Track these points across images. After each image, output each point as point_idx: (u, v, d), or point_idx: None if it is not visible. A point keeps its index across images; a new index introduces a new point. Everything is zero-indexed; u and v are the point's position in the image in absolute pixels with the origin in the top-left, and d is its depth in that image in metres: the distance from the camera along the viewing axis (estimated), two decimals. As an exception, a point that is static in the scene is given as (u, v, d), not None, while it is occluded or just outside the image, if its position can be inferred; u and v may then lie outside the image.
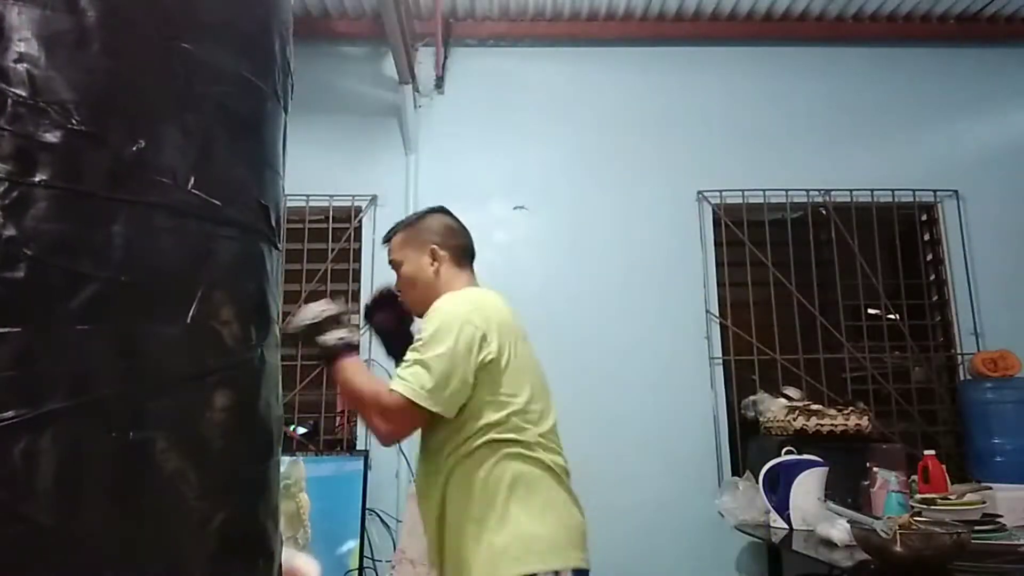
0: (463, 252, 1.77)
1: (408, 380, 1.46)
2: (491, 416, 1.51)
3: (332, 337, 1.56)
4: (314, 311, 1.58)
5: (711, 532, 3.06)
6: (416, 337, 1.55)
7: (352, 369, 1.55)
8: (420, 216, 1.79)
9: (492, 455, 1.50)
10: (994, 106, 3.72)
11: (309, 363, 3.37)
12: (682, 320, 3.39)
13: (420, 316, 1.67)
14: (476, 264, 3.51)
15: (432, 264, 1.70)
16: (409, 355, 1.51)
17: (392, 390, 1.46)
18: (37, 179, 0.63)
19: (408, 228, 1.77)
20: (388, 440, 1.53)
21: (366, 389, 1.51)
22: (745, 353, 3.42)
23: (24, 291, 0.62)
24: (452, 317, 1.52)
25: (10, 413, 0.60)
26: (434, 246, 1.71)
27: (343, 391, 1.57)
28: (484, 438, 1.50)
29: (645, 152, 3.56)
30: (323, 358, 1.59)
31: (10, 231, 0.62)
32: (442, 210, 1.82)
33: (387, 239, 1.79)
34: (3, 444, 0.59)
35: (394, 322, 1.83)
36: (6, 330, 0.61)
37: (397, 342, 1.78)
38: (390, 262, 1.78)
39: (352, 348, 1.58)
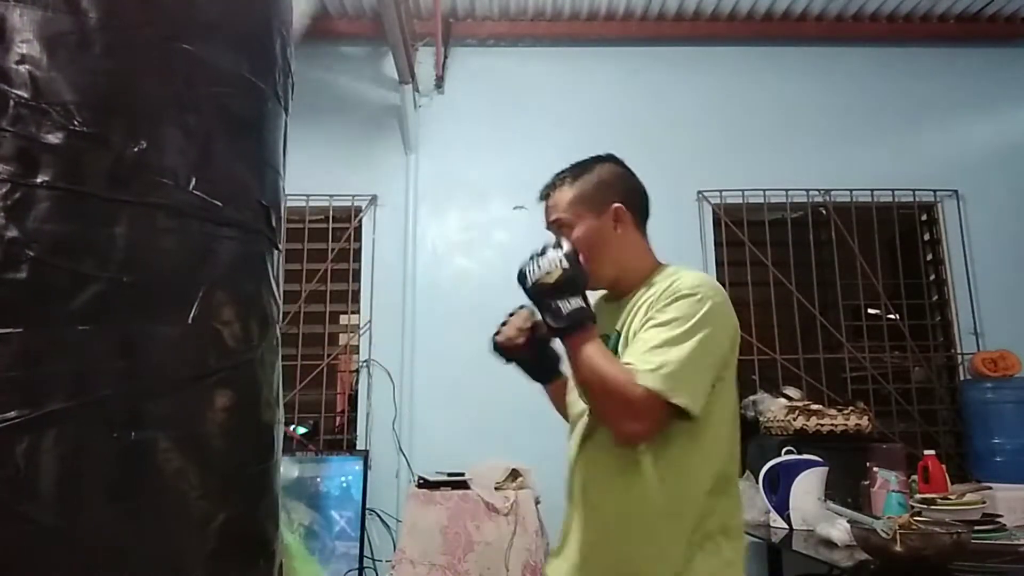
0: (646, 214, 1.45)
1: (665, 371, 1.15)
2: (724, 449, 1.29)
3: (572, 305, 1.23)
4: (550, 265, 1.26)
5: (711, 532, 3.05)
6: (655, 312, 1.25)
7: (593, 349, 1.21)
8: (589, 164, 1.44)
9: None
10: (994, 106, 3.72)
11: (309, 363, 3.37)
12: (682, 320, 3.39)
13: (596, 287, 1.39)
14: (476, 264, 3.54)
15: (615, 226, 1.37)
16: (655, 335, 1.21)
17: (639, 384, 1.15)
18: (39, 180, 0.64)
19: (578, 180, 1.41)
20: (632, 443, 1.22)
21: (609, 377, 1.17)
22: (745, 353, 3.42)
23: (26, 292, 0.62)
24: (707, 293, 1.24)
25: (13, 413, 0.60)
26: (617, 203, 1.37)
27: (580, 373, 1.23)
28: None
29: (645, 152, 3.51)
30: (556, 327, 1.25)
31: (12, 232, 0.62)
32: (614, 159, 1.47)
33: (546, 193, 1.46)
34: (6, 444, 0.60)
35: (531, 349, 1.51)
36: (8, 331, 0.61)
37: (534, 367, 1.53)
38: (552, 223, 1.43)
39: (592, 322, 1.24)
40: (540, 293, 1.26)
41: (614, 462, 1.27)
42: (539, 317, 1.33)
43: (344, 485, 3.01)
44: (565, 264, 1.25)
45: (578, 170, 1.43)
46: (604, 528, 1.29)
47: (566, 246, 1.27)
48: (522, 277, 1.30)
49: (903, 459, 2.43)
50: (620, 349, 1.29)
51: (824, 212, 3.58)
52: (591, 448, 1.32)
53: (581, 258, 1.29)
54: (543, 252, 1.29)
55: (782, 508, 2.58)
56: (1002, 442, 3.07)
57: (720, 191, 3.53)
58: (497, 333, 1.51)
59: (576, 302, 1.23)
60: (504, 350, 1.50)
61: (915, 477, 2.51)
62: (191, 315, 0.72)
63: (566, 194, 1.41)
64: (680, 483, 1.24)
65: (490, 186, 3.56)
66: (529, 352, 1.50)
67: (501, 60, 3.73)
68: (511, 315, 1.53)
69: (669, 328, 1.21)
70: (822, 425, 2.88)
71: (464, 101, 3.66)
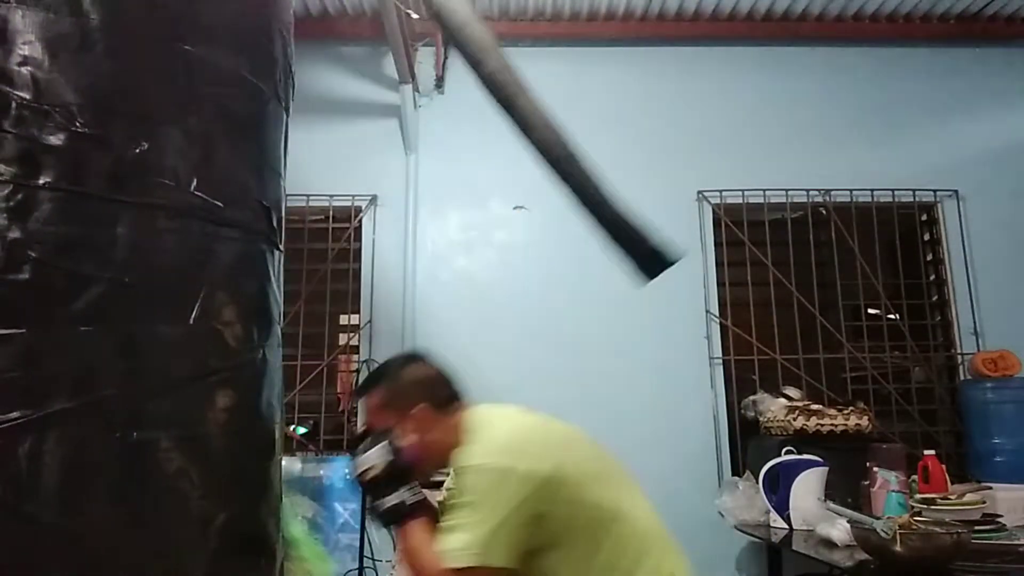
0: (453, 397, 1.54)
1: (458, 552, 1.27)
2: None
3: (394, 500, 1.35)
4: (375, 459, 1.38)
5: (711, 532, 3.06)
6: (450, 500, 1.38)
7: (415, 540, 1.34)
8: (394, 365, 1.59)
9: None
10: (994, 106, 3.72)
11: (309, 363, 3.37)
12: (682, 320, 3.39)
13: (427, 476, 1.53)
14: (476, 264, 3.54)
15: (421, 425, 1.47)
16: (452, 518, 1.33)
17: (442, 569, 1.27)
18: (41, 181, 0.64)
19: (387, 384, 1.54)
20: None
21: (426, 564, 1.30)
22: (745, 353, 3.42)
23: (28, 292, 0.63)
24: (484, 463, 1.36)
25: (15, 414, 0.60)
26: (421, 404, 1.47)
27: (406, 559, 1.35)
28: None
29: (645, 152, 3.56)
30: (384, 519, 1.38)
31: (14, 233, 0.62)
32: (416, 356, 1.62)
33: (360, 394, 1.60)
34: (8, 444, 0.60)
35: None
36: (11, 331, 0.61)
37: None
38: (368, 426, 1.55)
39: (416, 511, 1.37)
40: (368, 489, 1.39)
41: None
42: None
43: (344, 485, 3.01)
44: (388, 457, 1.37)
45: (387, 375, 1.56)
46: None
47: (386, 439, 1.39)
48: (360, 486, 1.40)
49: (903, 459, 2.43)
50: None
51: (824, 212, 3.58)
52: None
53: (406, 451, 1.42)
54: (366, 445, 1.40)
55: (782, 508, 2.58)
56: (1002, 442, 3.07)
57: (720, 191, 3.53)
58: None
59: (398, 496, 1.35)
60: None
61: (915, 477, 2.52)
62: (192, 315, 0.72)
63: (374, 399, 1.52)
64: None
65: (490, 186, 3.56)
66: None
67: (501, 60, 3.73)
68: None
69: (458, 514, 1.32)
70: (822, 425, 2.88)
71: (464, 101, 3.65)
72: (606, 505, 1.42)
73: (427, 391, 1.50)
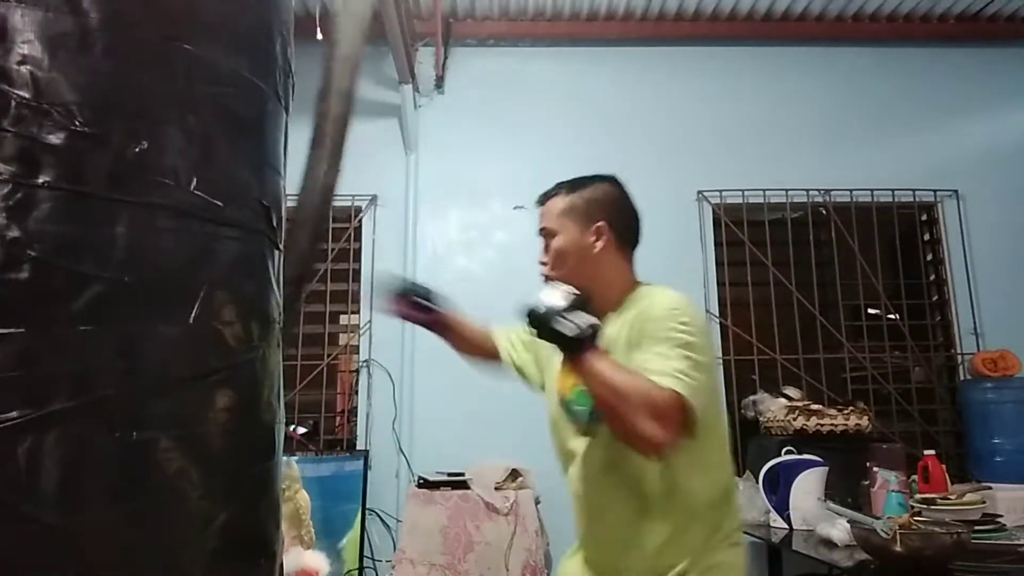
0: (633, 238, 1.50)
1: (683, 376, 1.19)
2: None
3: (581, 322, 1.24)
4: (557, 295, 1.30)
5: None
6: (647, 334, 1.28)
7: (608, 362, 1.22)
8: (587, 180, 1.52)
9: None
10: (994, 106, 3.72)
11: (309, 363, 3.37)
12: (682, 320, 3.39)
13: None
14: (476, 264, 3.54)
15: (595, 243, 1.43)
16: (660, 347, 1.24)
17: (665, 388, 1.17)
18: (40, 180, 0.64)
19: (572, 193, 1.48)
20: (661, 449, 1.19)
21: (631, 386, 1.17)
22: (745, 353, 3.42)
23: (27, 292, 0.62)
24: (693, 312, 1.31)
25: (13, 414, 0.60)
26: (602, 222, 1.43)
27: (596, 388, 1.23)
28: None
29: (645, 152, 3.56)
30: (566, 347, 1.27)
31: (13, 232, 0.62)
32: (613, 180, 1.54)
33: (542, 200, 1.53)
34: (7, 444, 0.60)
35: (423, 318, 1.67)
36: (9, 331, 0.61)
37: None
38: (540, 230, 1.51)
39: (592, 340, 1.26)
40: (549, 317, 1.28)
41: (621, 483, 1.33)
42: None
43: (344, 485, 3.01)
44: (572, 292, 1.30)
45: (575, 183, 1.50)
46: (615, 543, 1.37)
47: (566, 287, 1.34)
48: (530, 309, 1.32)
49: (903, 459, 2.43)
50: None
51: (824, 212, 3.58)
52: (599, 474, 1.37)
53: (550, 264, 1.46)
54: (549, 291, 1.34)
55: (782, 508, 2.58)
56: (1002, 442, 3.07)
57: (720, 191, 3.53)
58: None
59: (586, 319, 1.25)
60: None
61: (915, 477, 2.52)
62: (192, 315, 0.72)
63: (557, 204, 1.48)
64: (686, 502, 1.30)
65: (490, 186, 3.56)
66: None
67: (501, 60, 3.73)
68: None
69: (669, 346, 1.24)
70: (822, 425, 2.88)
71: (464, 101, 3.66)
72: (719, 413, 1.41)
73: (612, 212, 1.46)
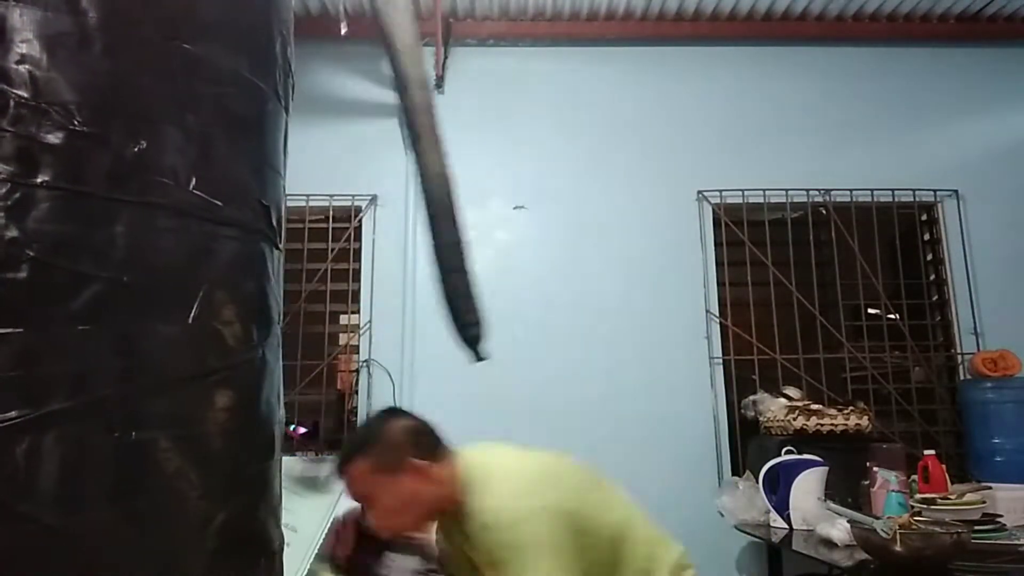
0: (437, 448, 1.51)
1: None
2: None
3: None
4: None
5: (711, 532, 3.05)
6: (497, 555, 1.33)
7: None
8: (374, 430, 1.53)
9: None
10: (994, 106, 3.72)
11: (309, 363, 3.37)
12: (682, 320, 3.39)
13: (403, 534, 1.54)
14: (476, 263, 3.52)
15: (415, 481, 1.42)
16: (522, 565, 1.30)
17: None
18: (39, 180, 0.64)
19: (370, 449, 1.46)
20: None
21: None
22: (745, 353, 3.42)
23: (26, 292, 0.62)
24: (519, 516, 1.33)
25: (13, 413, 0.60)
26: (409, 458, 1.43)
27: None
28: None
29: (645, 152, 3.56)
30: None
31: (12, 232, 0.62)
32: (397, 413, 1.61)
33: (342, 468, 1.48)
34: (6, 444, 0.60)
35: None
36: (8, 331, 0.61)
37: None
38: (355, 497, 1.49)
39: None
40: None
41: None
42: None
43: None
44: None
45: (367, 439, 1.50)
46: None
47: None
48: None
49: (903, 459, 2.43)
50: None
51: (824, 212, 3.58)
52: None
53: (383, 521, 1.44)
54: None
55: (782, 508, 2.58)
56: (1002, 442, 3.07)
57: (720, 191, 3.53)
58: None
59: None
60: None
61: (915, 477, 2.51)
62: (191, 315, 0.72)
63: (360, 467, 1.44)
64: None
65: (490, 186, 3.56)
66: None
67: (501, 60, 3.73)
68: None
69: (517, 566, 1.29)
70: (822, 425, 2.88)
71: (464, 101, 3.66)
72: (615, 523, 1.46)
73: (414, 443, 1.46)
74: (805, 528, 2.47)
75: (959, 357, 3.41)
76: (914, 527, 1.85)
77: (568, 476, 1.48)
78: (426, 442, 1.48)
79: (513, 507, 1.32)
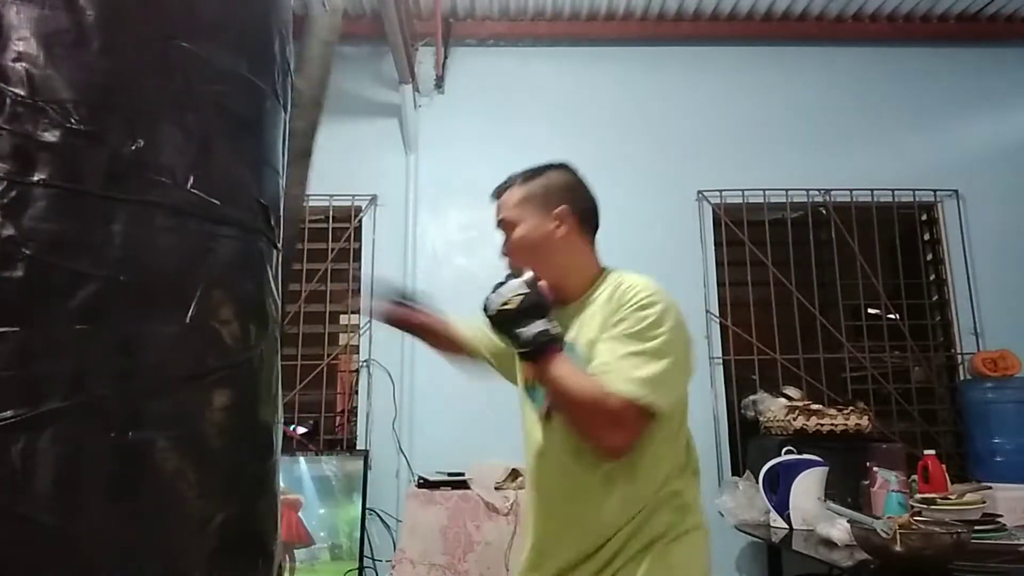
0: (593, 222, 1.49)
1: (645, 381, 1.20)
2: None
3: (535, 329, 1.25)
4: (510, 293, 1.28)
5: (711, 532, 3.05)
6: (616, 322, 1.28)
7: (565, 369, 1.24)
8: (541, 169, 1.50)
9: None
10: (994, 106, 3.72)
11: (309, 363, 3.37)
12: (682, 320, 3.39)
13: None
14: (476, 263, 3.53)
15: (558, 229, 1.40)
16: (621, 345, 1.24)
17: (616, 393, 1.18)
18: (36, 178, 0.63)
19: (529, 182, 1.47)
20: (616, 455, 1.24)
21: (585, 393, 1.20)
22: (745, 353, 3.42)
23: (22, 290, 0.62)
24: (666, 301, 1.29)
25: (9, 413, 0.60)
26: (564, 206, 1.41)
27: (553, 394, 1.28)
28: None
29: (645, 152, 3.56)
30: (523, 352, 1.28)
31: (8, 230, 0.62)
32: (567, 167, 1.52)
33: (497, 192, 1.53)
34: (2, 444, 0.59)
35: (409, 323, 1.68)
36: (4, 329, 0.61)
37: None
38: (499, 222, 1.49)
39: (558, 343, 1.27)
40: (502, 321, 1.28)
41: (583, 465, 1.31)
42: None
43: (344, 485, 3.00)
44: (524, 290, 1.28)
45: (530, 173, 1.49)
46: (563, 527, 1.36)
47: (526, 274, 1.31)
48: (485, 308, 1.31)
49: (903, 459, 2.43)
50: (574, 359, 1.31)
51: (824, 212, 3.57)
52: (561, 456, 1.35)
53: (512, 256, 1.42)
54: (504, 282, 1.31)
55: (782, 508, 2.58)
56: (1002, 442, 3.07)
57: (720, 191, 3.52)
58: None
59: (538, 326, 1.25)
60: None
61: (915, 477, 2.51)
62: (189, 314, 0.72)
63: (514, 194, 1.47)
64: (648, 481, 1.31)
65: (490, 186, 3.51)
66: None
67: (501, 60, 3.73)
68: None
69: (636, 337, 1.24)
70: (822, 425, 2.88)
71: (464, 101, 3.65)
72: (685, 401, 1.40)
73: (572, 197, 1.44)
74: (805, 528, 2.47)
75: (959, 357, 3.41)
76: (914, 527, 1.85)
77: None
78: (586, 208, 1.47)
79: (661, 292, 1.31)
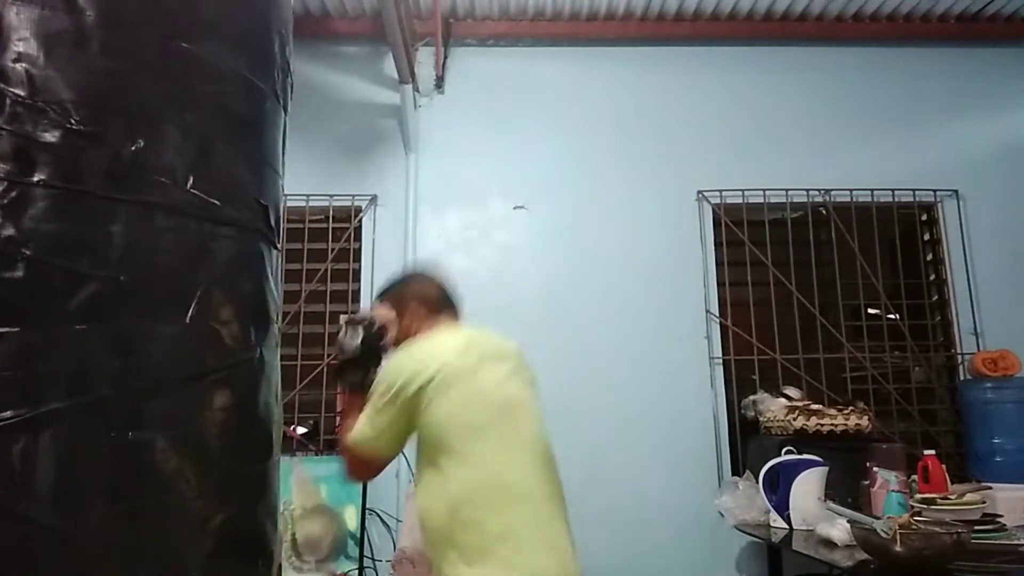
0: (439, 303, 1.83)
1: (362, 426, 1.58)
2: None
3: (360, 375, 1.68)
4: (349, 342, 1.69)
5: (711, 532, 3.06)
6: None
7: (347, 410, 1.67)
8: (402, 281, 1.91)
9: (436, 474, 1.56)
10: (994, 106, 3.72)
11: (309, 363, 3.37)
12: (682, 320, 3.39)
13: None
14: (476, 263, 3.53)
15: (406, 319, 1.78)
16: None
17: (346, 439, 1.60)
18: (36, 179, 0.64)
19: (392, 292, 1.87)
20: (349, 478, 1.77)
21: (343, 432, 1.63)
22: (745, 353, 3.42)
23: (23, 291, 0.62)
24: (388, 368, 1.64)
25: (9, 413, 0.60)
26: (413, 302, 1.80)
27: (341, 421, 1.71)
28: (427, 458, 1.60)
29: (645, 152, 3.55)
30: (347, 389, 1.70)
31: (9, 231, 0.62)
32: (421, 274, 1.94)
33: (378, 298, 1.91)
34: (2, 444, 0.59)
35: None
36: (5, 330, 0.61)
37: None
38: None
39: (359, 390, 1.65)
40: (339, 367, 1.72)
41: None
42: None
43: (344, 485, 3.01)
44: (357, 341, 1.69)
45: (393, 284, 1.89)
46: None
47: (365, 320, 1.73)
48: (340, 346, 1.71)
49: (903, 459, 2.43)
50: None
51: (824, 212, 3.57)
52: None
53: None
54: (346, 333, 1.71)
55: (782, 508, 2.58)
56: (1002, 442, 3.07)
57: (720, 191, 3.52)
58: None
59: (360, 374, 1.68)
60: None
61: (915, 477, 2.51)
62: (189, 314, 0.72)
63: (383, 302, 1.85)
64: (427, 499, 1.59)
65: (490, 186, 3.55)
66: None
67: (501, 60, 3.73)
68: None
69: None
70: (822, 425, 2.88)
71: (464, 101, 3.65)
72: (471, 449, 1.54)
73: (421, 295, 1.81)
74: (805, 528, 2.47)
75: (959, 357, 3.40)
76: (914, 527, 1.85)
77: (470, 354, 1.62)
78: (431, 296, 1.83)
79: (398, 352, 1.64)
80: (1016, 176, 3.60)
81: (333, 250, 3.48)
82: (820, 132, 3.63)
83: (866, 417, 2.91)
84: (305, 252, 3.46)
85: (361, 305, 3.46)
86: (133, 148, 0.69)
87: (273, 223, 0.88)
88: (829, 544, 2.20)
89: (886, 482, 2.37)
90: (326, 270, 3.48)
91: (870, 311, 3.53)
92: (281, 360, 0.92)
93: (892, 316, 3.48)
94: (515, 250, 3.46)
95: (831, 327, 3.43)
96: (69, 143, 0.66)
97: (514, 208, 3.50)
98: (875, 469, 2.44)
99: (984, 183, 3.58)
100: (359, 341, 1.68)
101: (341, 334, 1.70)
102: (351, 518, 2.96)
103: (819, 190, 3.54)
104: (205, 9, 0.80)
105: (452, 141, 3.61)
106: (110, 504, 0.66)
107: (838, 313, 3.48)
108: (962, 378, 3.38)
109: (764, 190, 3.52)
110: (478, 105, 3.66)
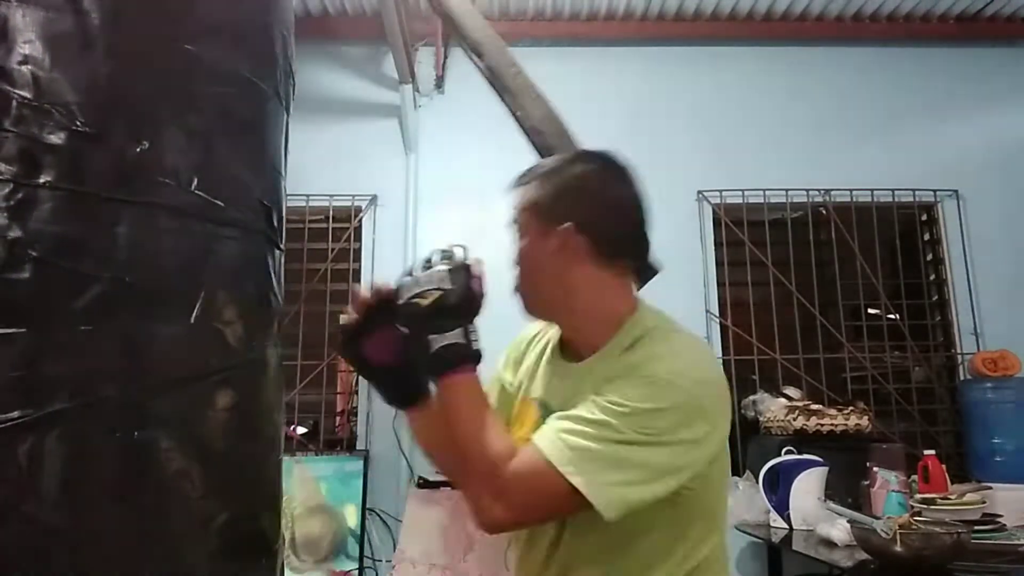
0: (619, 243, 1.08)
1: (559, 439, 0.89)
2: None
3: (445, 341, 0.94)
4: (427, 284, 0.97)
5: (711, 532, 3.06)
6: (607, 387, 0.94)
7: (464, 398, 0.95)
8: (569, 163, 1.12)
9: None
10: (994, 106, 3.72)
11: (309, 363, 3.37)
12: (682, 320, 3.36)
13: (531, 315, 1.14)
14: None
15: (559, 254, 1.04)
16: (580, 414, 0.92)
17: (525, 452, 0.90)
18: (41, 180, 0.64)
19: (547, 178, 1.09)
20: (491, 528, 0.97)
21: (472, 436, 0.92)
22: (745, 353, 3.42)
23: (29, 292, 0.63)
24: (690, 394, 0.94)
25: (15, 413, 0.60)
26: (568, 223, 1.02)
27: (448, 427, 0.96)
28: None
29: (645, 152, 3.53)
30: (431, 362, 0.96)
31: (15, 232, 0.62)
32: (598, 159, 1.13)
33: (516, 183, 1.15)
34: (8, 444, 0.60)
35: (389, 353, 1.04)
36: (11, 331, 0.61)
37: (390, 377, 1.09)
38: (510, 221, 1.13)
39: (471, 361, 0.97)
40: (410, 319, 0.95)
41: (598, 540, 0.98)
42: (397, 292, 0.99)
43: (344, 485, 3.01)
44: (446, 284, 0.96)
45: (555, 166, 1.13)
46: None
47: (457, 254, 1.01)
48: (397, 290, 0.99)
49: (903, 459, 2.43)
50: None
51: (824, 212, 3.58)
52: (572, 524, 1.01)
53: (517, 278, 1.06)
54: (426, 264, 0.99)
55: (782, 508, 2.58)
56: (1002, 442, 3.07)
57: (720, 191, 3.53)
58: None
59: (450, 337, 0.94)
60: (351, 348, 1.05)
61: (915, 477, 2.52)
62: (193, 315, 0.72)
63: (525, 194, 1.10)
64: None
65: (490, 186, 3.53)
66: (383, 350, 1.04)
67: (501, 60, 3.73)
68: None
69: (610, 412, 0.89)
70: (822, 425, 2.88)
71: (464, 101, 3.65)
72: (721, 500, 1.05)
73: (589, 212, 1.03)
74: (805, 528, 2.47)
75: (959, 357, 3.41)
76: (914, 527, 1.86)
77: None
78: (608, 226, 1.06)
79: (684, 381, 0.94)
80: (1016, 176, 3.60)
81: (333, 250, 3.48)
82: (820, 132, 3.63)
83: (866, 417, 2.91)
84: (305, 252, 3.46)
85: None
86: (138, 150, 0.69)
87: (276, 224, 0.89)
88: (829, 544, 2.21)
89: (886, 482, 2.37)
90: (326, 270, 3.48)
91: (870, 311, 3.53)
92: (282, 360, 0.92)
93: (892, 316, 3.48)
94: (515, 250, 3.46)
95: (831, 327, 3.43)
96: (74, 145, 0.66)
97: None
98: (875, 469, 2.45)
99: (984, 183, 3.58)
100: (447, 285, 0.96)
101: (424, 266, 0.99)
102: (351, 517, 2.97)
103: (819, 190, 3.54)
104: (208, 11, 0.81)
105: (452, 141, 3.61)
106: (114, 504, 0.66)
107: (838, 313, 3.49)
108: (962, 378, 3.38)
109: (764, 190, 3.52)
110: (478, 105, 3.65)
